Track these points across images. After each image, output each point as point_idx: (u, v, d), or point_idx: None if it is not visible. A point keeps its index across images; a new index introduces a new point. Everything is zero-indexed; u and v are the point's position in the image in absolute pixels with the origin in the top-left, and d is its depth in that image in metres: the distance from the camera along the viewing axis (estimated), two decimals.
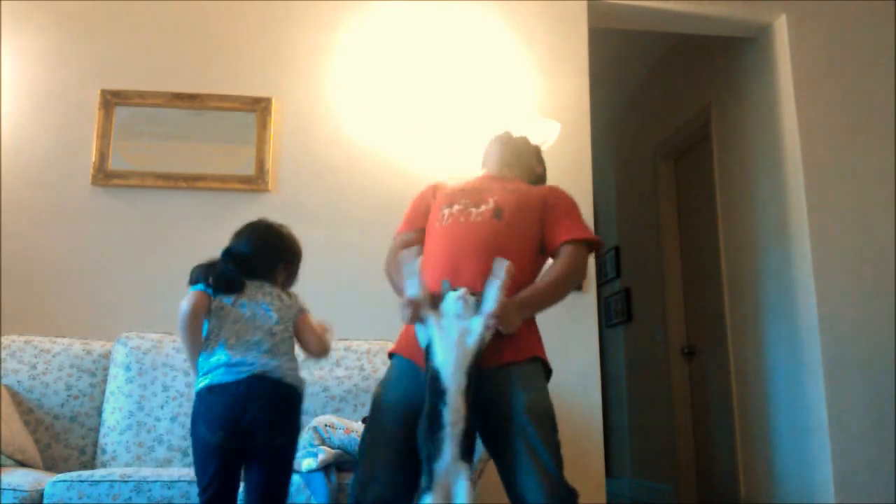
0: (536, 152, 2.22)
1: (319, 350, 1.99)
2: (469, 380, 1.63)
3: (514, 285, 1.76)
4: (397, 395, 1.79)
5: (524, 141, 2.20)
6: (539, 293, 1.84)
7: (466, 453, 1.60)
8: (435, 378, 1.63)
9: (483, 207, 1.90)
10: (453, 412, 1.59)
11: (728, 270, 4.23)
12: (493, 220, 1.87)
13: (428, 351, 1.69)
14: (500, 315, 1.68)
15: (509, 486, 1.71)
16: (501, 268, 1.70)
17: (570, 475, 1.74)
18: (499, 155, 2.12)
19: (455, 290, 1.72)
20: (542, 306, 1.86)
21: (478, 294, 1.72)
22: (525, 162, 2.15)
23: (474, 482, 2.23)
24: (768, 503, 3.71)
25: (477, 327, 1.67)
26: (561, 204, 1.97)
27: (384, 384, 1.85)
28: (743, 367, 4.05)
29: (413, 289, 1.72)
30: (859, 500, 3.19)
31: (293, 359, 1.92)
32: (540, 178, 2.19)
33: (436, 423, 1.59)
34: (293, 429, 1.88)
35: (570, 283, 1.90)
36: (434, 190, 2.07)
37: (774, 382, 3.74)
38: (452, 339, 1.66)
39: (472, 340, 1.66)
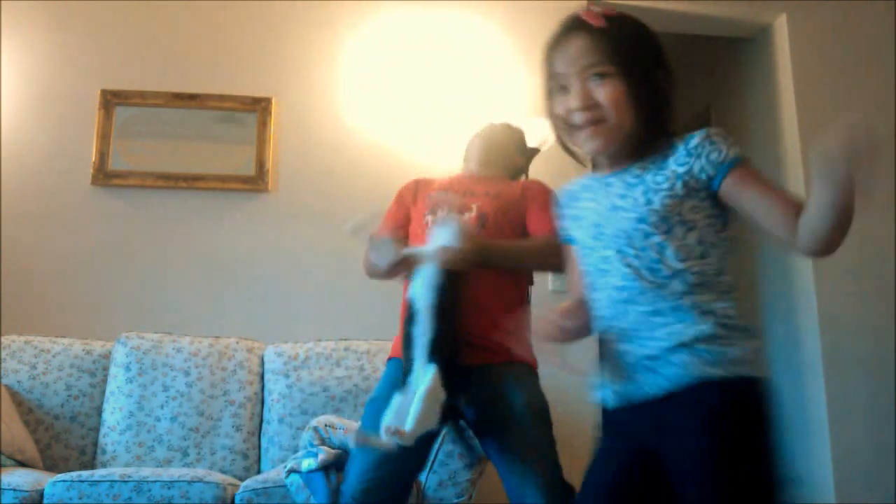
0: (518, 141, 2.17)
1: None
2: (438, 296, 1.63)
3: (501, 293, 1.77)
4: (381, 387, 1.81)
5: (505, 132, 2.14)
6: (508, 245, 1.85)
7: (432, 357, 1.60)
8: (409, 305, 1.66)
9: (466, 216, 1.88)
10: (421, 325, 1.62)
11: None
12: (477, 229, 1.85)
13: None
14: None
15: (508, 483, 1.72)
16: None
17: (569, 476, 1.74)
18: (480, 154, 2.08)
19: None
20: (504, 259, 1.84)
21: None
22: (506, 157, 2.10)
23: (474, 482, 2.23)
24: None
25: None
26: (539, 197, 1.93)
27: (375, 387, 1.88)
28: None
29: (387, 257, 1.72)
30: (859, 500, 3.18)
31: None
32: (521, 170, 2.17)
33: (408, 343, 1.63)
34: None
35: (541, 255, 1.85)
36: (413, 193, 2.02)
37: (774, 382, 3.73)
38: (425, 270, 1.67)
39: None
